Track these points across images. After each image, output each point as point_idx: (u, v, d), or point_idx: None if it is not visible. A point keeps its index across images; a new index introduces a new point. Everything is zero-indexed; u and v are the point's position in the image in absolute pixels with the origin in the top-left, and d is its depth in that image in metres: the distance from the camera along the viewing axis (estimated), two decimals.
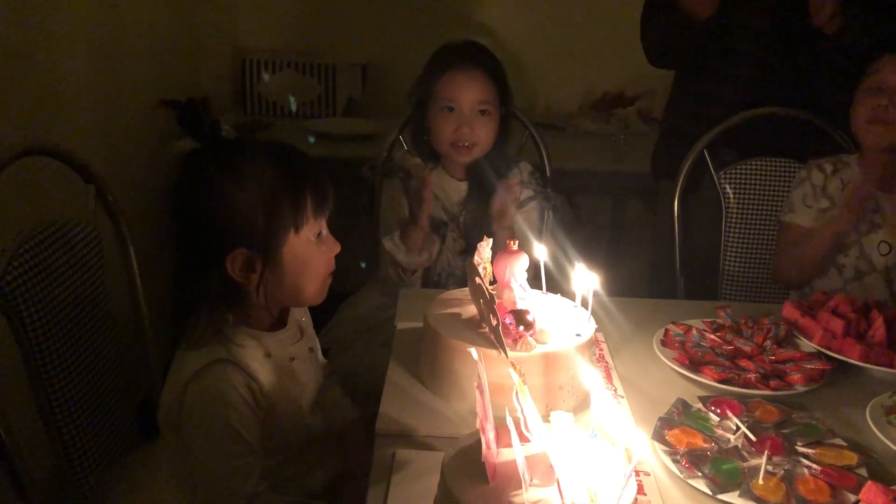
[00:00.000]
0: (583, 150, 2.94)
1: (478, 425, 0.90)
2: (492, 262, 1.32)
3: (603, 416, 0.96)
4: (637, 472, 1.08)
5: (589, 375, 0.98)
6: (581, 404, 1.20)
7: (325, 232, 1.25)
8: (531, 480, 0.87)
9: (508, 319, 1.20)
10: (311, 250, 1.22)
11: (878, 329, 1.42)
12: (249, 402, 1.17)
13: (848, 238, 1.80)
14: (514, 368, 0.93)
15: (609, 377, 1.35)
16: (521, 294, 1.27)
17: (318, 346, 1.39)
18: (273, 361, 1.22)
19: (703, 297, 2.07)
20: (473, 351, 0.94)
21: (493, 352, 1.16)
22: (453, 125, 1.84)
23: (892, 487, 1.00)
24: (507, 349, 1.16)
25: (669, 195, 2.11)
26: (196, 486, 1.19)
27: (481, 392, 0.91)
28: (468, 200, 1.92)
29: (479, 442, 0.91)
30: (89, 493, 1.32)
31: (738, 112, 2.06)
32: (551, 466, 0.86)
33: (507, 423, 0.87)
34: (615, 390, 1.31)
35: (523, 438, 0.92)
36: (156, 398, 1.29)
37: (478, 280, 1.21)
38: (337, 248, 1.26)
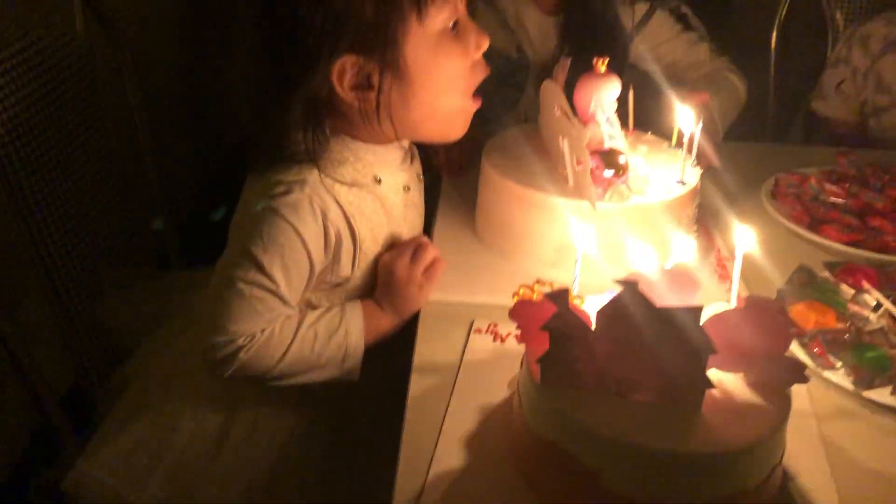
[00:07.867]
0: None
1: None
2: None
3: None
4: None
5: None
6: None
7: (463, 18, 0.87)
8: None
9: (593, 162, 0.94)
10: (445, 47, 0.85)
11: None
12: (321, 249, 0.88)
13: None
14: None
15: (710, 238, 1.09)
16: (610, 130, 0.99)
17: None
18: (380, 190, 0.91)
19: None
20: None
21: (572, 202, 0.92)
22: None
23: None
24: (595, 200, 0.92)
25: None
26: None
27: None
28: (559, 46, 1.39)
29: None
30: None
31: None
32: None
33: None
34: (718, 251, 1.06)
35: None
36: None
37: (558, 109, 0.94)
38: (485, 42, 0.88)
